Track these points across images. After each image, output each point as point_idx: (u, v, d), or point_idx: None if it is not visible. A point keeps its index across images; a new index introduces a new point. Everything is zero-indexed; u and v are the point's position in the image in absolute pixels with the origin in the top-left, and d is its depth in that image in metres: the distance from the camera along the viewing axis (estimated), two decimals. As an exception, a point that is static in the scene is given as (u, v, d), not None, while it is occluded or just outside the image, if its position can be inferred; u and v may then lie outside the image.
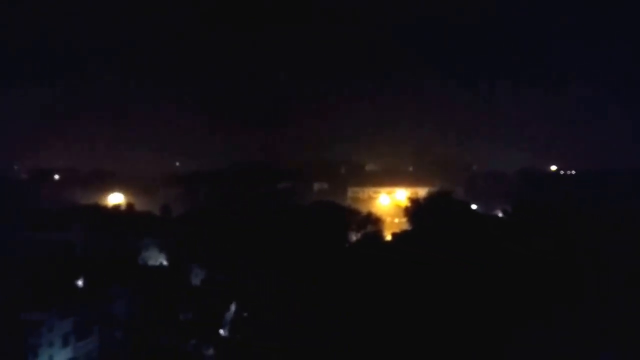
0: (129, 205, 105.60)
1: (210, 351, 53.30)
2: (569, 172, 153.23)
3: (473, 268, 48.42)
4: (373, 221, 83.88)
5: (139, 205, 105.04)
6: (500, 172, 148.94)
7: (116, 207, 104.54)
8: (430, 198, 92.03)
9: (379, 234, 79.33)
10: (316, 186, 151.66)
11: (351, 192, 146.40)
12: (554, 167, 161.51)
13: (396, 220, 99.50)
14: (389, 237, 79.65)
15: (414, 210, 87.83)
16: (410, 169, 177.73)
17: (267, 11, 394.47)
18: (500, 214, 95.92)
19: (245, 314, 56.66)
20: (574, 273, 47.79)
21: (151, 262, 72.36)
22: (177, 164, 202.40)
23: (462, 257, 50.12)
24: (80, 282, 65.03)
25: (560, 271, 46.87)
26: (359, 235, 79.64)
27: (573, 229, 52.44)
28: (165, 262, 72.70)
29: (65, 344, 49.25)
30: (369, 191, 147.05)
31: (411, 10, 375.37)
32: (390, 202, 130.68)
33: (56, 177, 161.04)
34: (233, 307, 58.36)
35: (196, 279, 64.87)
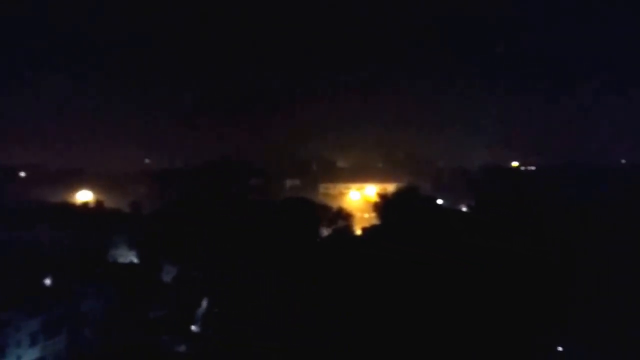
0: (98, 203, 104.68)
1: (183, 347, 53.54)
2: (529, 168, 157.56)
3: (437, 260, 49.85)
4: (344, 216, 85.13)
5: (109, 203, 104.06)
6: (464, 168, 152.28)
7: (85, 205, 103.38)
8: (398, 193, 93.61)
9: (349, 229, 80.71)
10: (288, 182, 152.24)
11: (322, 188, 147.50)
12: (515, 163, 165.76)
13: (366, 215, 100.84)
14: (359, 232, 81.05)
15: (383, 206, 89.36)
16: (380, 165, 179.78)
17: (235, 9, 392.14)
18: (464, 208, 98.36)
19: (217, 310, 56.99)
20: (535, 264, 49.52)
21: (121, 260, 72.02)
22: (147, 161, 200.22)
23: (427, 249, 51.57)
24: (48, 281, 64.57)
25: (521, 263, 48.59)
26: (330, 230, 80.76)
27: (533, 221, 54.35)
28: (135, 260, 72.45)
29: (33, 343, 48.96)
30: (339, 187, 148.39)
31: (378, 6, 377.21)
32: (360, 198, 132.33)
33: (22, 174, 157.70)
34: (205, 303, 58.61)
35: (167, 276, 64.76)
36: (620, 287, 46.47)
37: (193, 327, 56.66)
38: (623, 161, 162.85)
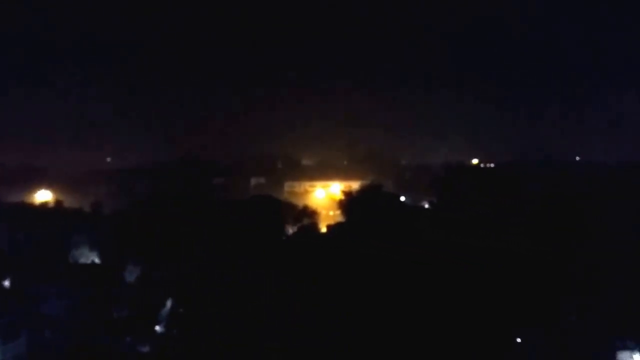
0: (58, 203, 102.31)
1: (147, 348, 53.17)
2: (488, 165, 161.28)
3: (400, 256, 50.89)
4: (309, 214, 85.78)
5: (69, 203, 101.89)
6: (426, 166, 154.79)
7: (44, 205, 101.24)
8: (362, 191, 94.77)
9: (314, 227, 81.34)
10: (253, 181, 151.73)
11: (288, 186, 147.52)
12: (475, 160, 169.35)
13: (331, 212, 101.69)
14: (324, 229, 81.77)
15: (348, 203, 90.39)
16: (345, 163, 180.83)
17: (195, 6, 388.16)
18: (426, 205, 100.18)
19: (181, 310, 56.74)
20: (497, 259, 50.95)
21: (82, 260, 71.03)
22: (109, 159, 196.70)
23: (391, 246, 52.56)
24: (7, 283, 63.27)
25: (482, 257, 50.04)
26: (295, 228, 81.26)
27: (492, 217, 56.00)
28: (97, 260, 71.49)
29: (-8, 346, 48.03)
30: (305, 185, 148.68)
31: (340, 5, 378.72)
32: (325, 196, 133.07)
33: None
34: (169, 303, 58.28)
35: (130, 276, 64.17)
36: (579, 279, 48.05)
37: (157, 328, 56.26)
38: (577, 158, 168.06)
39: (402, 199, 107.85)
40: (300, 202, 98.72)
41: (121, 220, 79.20)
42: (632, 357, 48.05)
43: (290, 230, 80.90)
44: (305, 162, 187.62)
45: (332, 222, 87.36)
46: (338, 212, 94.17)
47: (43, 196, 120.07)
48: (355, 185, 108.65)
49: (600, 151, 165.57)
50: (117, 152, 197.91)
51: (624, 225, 53.08)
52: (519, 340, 49.25)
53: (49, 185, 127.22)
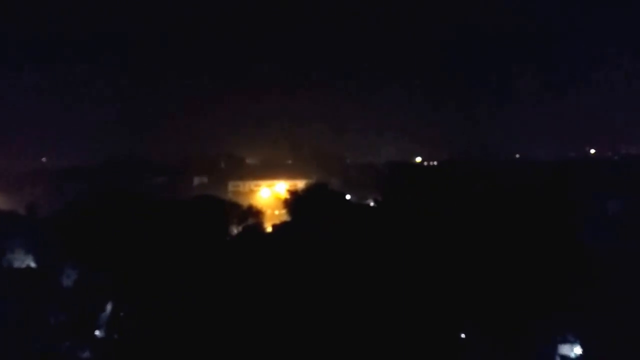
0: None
1: (86, 353, 51.85)
2: (431, 163, 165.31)
3: (344, 254, 51.39)
4: (254, 214, 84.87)
5: (2, 204, 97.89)
6: (371, 164, 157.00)
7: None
8: (308, 190, 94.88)
9: (259, 226, 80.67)
10: (196, 180, 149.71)
11: (232, 185, 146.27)
12: (418, 159, 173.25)
13: (276, 212, 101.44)
14: (269, 229, 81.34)
15: (293, 202, 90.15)
16: (290, 162, 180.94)
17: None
18: (372, 203, 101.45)
19: (122, 314, 55.47)
20: (439, 257, 52.03)
21: (17, 265, 68.16)
22: (44, 159, 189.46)
23: (335, 244, 53.03)
24: None
25: (425, 255, 51.09)
26: (240, 228, 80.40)
27: (434, 213, 57.27)
28: (33, 264, 68.73)
29: None
30: (249, 184, 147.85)
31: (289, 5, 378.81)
32: (270, 195, 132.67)
33: None
34: (109, 307, 56.79)
35: (68, 280, 62.09)
36: (520, 274, 49.48)
37: (97, 332, 54.82)
38: (517, 155, 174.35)
39: (348, 197, 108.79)
40: (245, 202, 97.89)
41: (57, 221, 76.35)
42: (572, 350, 50.14)
43: (235, 230, 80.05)
44: (250, 161, 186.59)
45: (277, 221, 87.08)
46: (284, 211, 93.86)
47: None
48: (300, 184, 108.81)
49: (538, 148, 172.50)
50: (53, 151, 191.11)
51: (559, 219, 55.33)
52: (463, 335, 50.58)
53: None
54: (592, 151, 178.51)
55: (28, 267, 67.47)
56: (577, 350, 50.17)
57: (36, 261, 68.85)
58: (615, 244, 58.91)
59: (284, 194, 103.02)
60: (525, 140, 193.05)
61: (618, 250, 55.69)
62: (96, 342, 53.41)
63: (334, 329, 45.15)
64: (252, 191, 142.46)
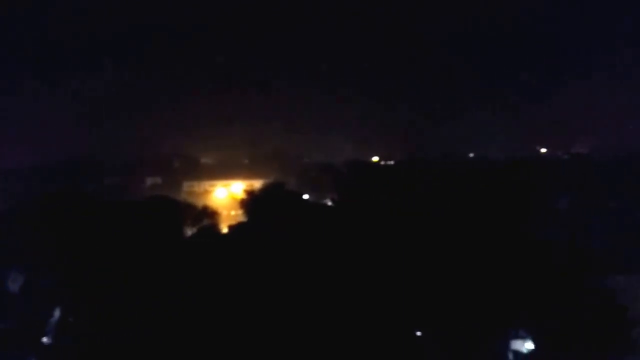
0: None
1: (33, 360, 50.12)
2: (388, 163, 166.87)
3: (301, 253, 51.19)
4: (209, 214, 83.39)
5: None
6: (329, 163, 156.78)
7: None
8: (264, 190, 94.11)
9: (215, 227, 79.40)
10: (149, 181, 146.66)
11: (186, 186, 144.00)
12: (375, 158, 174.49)
13: (233, 212, 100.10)
14: (225, 230, 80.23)
15: (249, 202, 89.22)
16: (246, 161, 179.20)
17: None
18: (329, 202, 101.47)
19: (71, 319, 53.76)
20: (390, 252, 52.35)
21: (-43, 270, 65.00)
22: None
23: (292, 243, 52.77)
24: None
25: (377, 250, 51.39)
26: (195, 229, 78.99)
27: (390, 211, 57.76)
28: (-25, 269, 65.64)
29: None
30: (204, 185, 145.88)
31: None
32: (226, 195, 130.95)
33: None
34: (57, 313, 54.94)
35: (14, 285, 59.75)
36: (475, 271, 50.16)
37: (44, 339, 53.00)
38: (471, 155, 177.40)
39: (306, 196, 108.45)
40: (200, 202, 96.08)
41: (2, 224, 73.28)
42: (523, 346, 51.33)
43: (190, 231, 78.61)
44: (205, 160, 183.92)
45: (233, 222, 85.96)
46: (240, 211, 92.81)
47: None
48: (257, 184, 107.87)
49: (493, 147, 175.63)
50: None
51: (510, 215, 56.58)
52: (419, 333, 51.02)
53: None
54: (543, 150, 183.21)
55: (-30, 273, 64.40)
56: (529, 345, 51.38)
57: (-21, 266, 65.77)
58: (564, 237, 60.76)
59: (241, 194, 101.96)
60: (479, 140, 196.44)
61: (566, 244, 57.34)
62: (44, 349, 51.73)
63: (289, 329, 44.83)
64: (207, 191, 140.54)
